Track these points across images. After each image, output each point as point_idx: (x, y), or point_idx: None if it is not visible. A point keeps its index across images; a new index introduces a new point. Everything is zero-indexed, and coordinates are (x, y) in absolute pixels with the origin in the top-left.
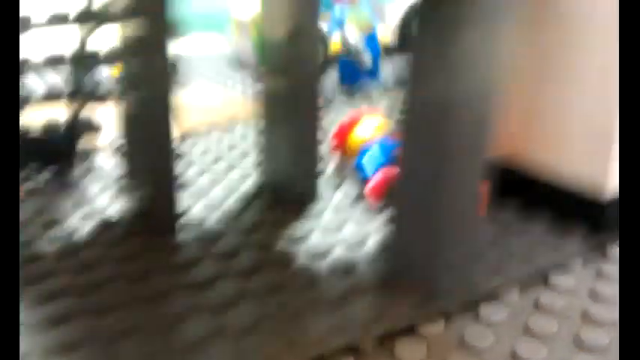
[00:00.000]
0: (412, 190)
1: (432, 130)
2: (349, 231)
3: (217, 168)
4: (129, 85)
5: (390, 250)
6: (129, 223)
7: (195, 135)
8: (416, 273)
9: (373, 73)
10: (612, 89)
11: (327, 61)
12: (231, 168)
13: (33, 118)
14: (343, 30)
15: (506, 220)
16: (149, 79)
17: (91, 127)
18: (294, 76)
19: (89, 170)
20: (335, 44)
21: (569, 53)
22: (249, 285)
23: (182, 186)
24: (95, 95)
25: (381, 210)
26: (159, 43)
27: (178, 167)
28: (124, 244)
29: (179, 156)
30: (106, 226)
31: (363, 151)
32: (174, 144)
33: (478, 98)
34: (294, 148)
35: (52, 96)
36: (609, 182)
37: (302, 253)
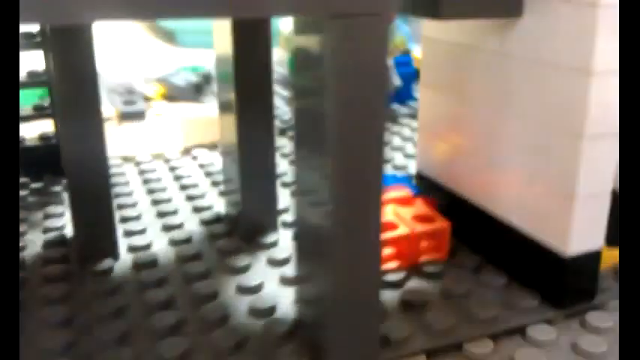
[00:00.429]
0: (305, 229)
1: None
2: (291, 267)
3: (200, 186)
4: (61, 107)
5: (297, 298)
6: (72, 245)
7: (202, 148)
8: (310, 326)
9: (404, 95)
10: (574, 150)
11: None
12: (216, 185)
13: (24, 131)
14: None
15: (464, 268)
16: (77, 102)
17: None
18: (245, 95)
19: None
20: None
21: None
22: (152, 322)
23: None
24: None
25: None
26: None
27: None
28: (55, 266)
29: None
30: (52, 245)
31: None
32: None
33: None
34: (250, 174)
35: (38, 111)
36: (571, 238)
37: (230, 287)
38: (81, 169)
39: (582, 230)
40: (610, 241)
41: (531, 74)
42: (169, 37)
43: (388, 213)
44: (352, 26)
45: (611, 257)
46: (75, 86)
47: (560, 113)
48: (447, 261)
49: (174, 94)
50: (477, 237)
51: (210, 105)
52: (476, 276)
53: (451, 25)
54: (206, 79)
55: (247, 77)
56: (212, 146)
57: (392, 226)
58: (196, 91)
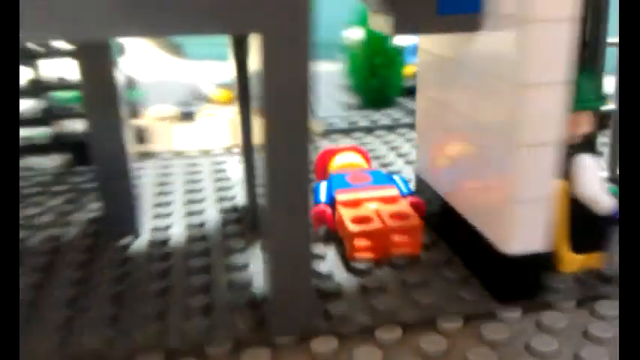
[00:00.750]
0: (262, 214)
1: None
2: None
3: (232, 179)
4: (87, 108)
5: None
6: (103, 222)
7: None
8: (267, 299)
9: None
10: (512, 158)
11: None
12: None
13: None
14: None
15: (432, 263)
16: (101, 103)
17: (139, 137)
18: (245, 100)
19: None
20: (407, 72)
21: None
22: (145, 287)
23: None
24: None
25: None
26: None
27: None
28: (86, 239)
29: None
30: (91, 223)
31: (329, 179)
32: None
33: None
34: (254, 170)
35: None
36: (512, 239)
37: (221, 264)
38: (106, 161)
39: (523, 232)
40: (575, 247)
41: (483, 85)
42: (176, 49)
43: (370, 209)
44: (273, 41)
45: (576, 262)
46: (97, 89)
47: (502, 123)
48: (419, 255)
49: None
50: (451, 235)
51: None
52: (439, 270)
53: (435, 37)
54: None
55: (246, 84)
56: None
57: (368, 221)
58: None
